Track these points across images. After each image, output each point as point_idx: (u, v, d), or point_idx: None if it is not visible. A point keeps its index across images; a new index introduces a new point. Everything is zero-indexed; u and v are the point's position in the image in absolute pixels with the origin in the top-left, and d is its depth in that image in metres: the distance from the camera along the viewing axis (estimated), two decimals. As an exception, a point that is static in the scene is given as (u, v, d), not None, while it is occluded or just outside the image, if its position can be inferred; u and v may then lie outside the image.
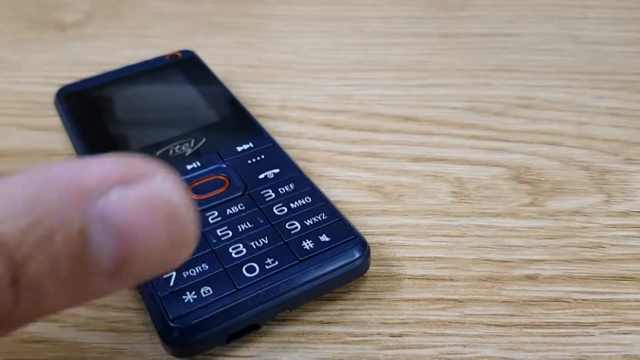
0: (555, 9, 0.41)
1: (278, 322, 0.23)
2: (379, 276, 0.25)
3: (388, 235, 0.26)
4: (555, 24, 0.40)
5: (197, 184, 0.26)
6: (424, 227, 0.27)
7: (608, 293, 0.24)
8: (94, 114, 0.31)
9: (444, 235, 0.26)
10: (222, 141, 0.29)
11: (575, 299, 0.23)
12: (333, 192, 0.28)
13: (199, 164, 0.27)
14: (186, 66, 0.35)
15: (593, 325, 0.23)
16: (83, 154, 0.29)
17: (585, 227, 0.26)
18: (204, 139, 0.29)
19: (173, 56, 0.35)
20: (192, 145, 0.28)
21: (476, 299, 0.24)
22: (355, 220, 0.27)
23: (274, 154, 0.28)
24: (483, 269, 0.25)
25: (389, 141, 0.32)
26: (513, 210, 0.27)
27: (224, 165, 0.27)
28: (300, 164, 0.30)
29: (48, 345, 0.23)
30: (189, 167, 0.27)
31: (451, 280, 0.24)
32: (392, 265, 0.25)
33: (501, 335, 0.22)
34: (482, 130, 0.32)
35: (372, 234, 0.26)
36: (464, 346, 0.22)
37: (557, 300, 0.23)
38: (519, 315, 0.23)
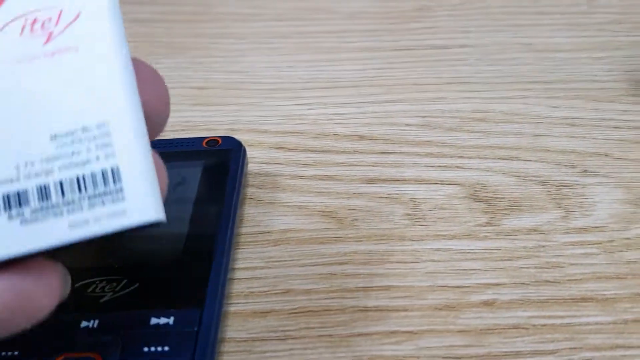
0: (509, 17, 0.41)
1: (224, 366, 0.22)
2: (331, 310, 0.23)
3: (340, 264, 0.25)
4: (510, 33, 0.39)
5: (67, 355, 0.20)
6: (377, 254, 0.26)
7: (568, 317, 0.23)
8: None
9: (398, 262, 0.25)
10: (146, 299, 0.22)
11: (533, 325, 0.23)
12: (283, 220, 0.27)
13: (95, 324, 0.21)
14: (214, 164, 0.28)
15: (553, 352, 0.22)
16: None
17: (543, 246, 0.26)
18: (135, 286, 0.22)
19: (211, 141, 0.29)
20: (116, 289, 0.22)
21: (431, 330, 0.23)
22: (307, 250, 0.26)
23: (184, 347, 0.20)
24: (438, 297, 0.24)
25: (343, 162, 0.31)
26: (469, 231, 0.26)
27: (110, 340, 0.20)
28: (250, 191, 0.29)
29: None
30: (83, 324, 0.21)
31: (405, 310, 0.23)
32: (345, 297, 0.24)
33: (457, 369, 0.21)
34: (436, 147, 0.31)
35: (324, 264, 0.25)
36: (419, 382, 0.21)
37: (515, 327, 0.23)
38: (475, 346, 0.22)
